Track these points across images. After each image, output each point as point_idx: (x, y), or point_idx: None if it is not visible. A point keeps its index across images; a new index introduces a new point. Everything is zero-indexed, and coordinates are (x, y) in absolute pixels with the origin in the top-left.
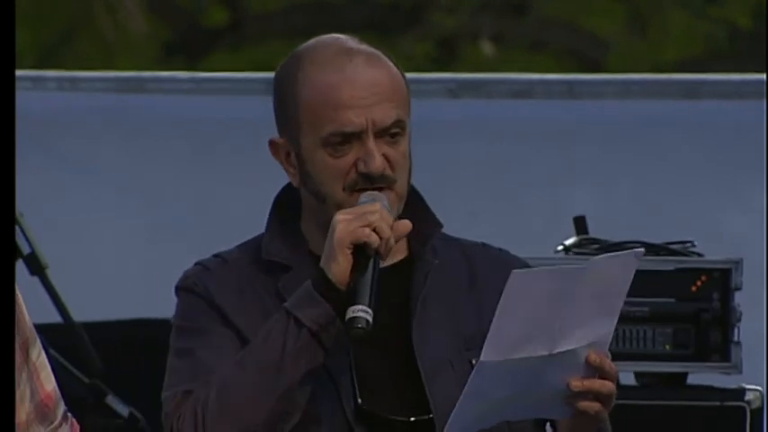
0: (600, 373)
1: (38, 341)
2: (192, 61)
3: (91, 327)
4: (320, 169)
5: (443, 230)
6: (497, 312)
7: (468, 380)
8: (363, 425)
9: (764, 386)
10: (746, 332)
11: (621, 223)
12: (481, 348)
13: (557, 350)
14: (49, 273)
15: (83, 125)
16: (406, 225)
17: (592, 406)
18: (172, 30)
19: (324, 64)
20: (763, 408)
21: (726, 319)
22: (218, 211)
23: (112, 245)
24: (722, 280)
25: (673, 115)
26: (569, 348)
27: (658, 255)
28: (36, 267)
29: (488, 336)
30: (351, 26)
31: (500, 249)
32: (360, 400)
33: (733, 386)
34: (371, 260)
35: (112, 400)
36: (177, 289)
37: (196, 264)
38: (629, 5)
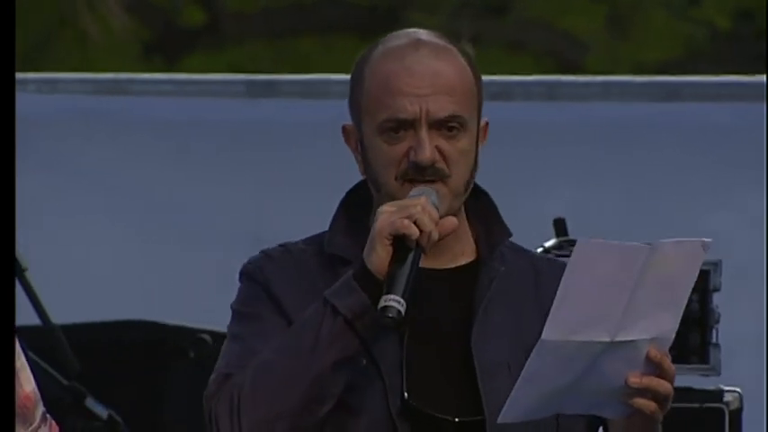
0: (659, 371)
1: (17, 343)
2: (171, 62)
3: (72, 329)
4: (376, 156)
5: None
6: (561, 284)
7: (527, 362)
8: (407, 421)
9: (745, 388)
10: (725, 334)
11: (601, 225)
12: None
13: (618, 338)
14: (29, 275)
15: (63, 127)
16: (451, 222)
17: (648, 405)
18: (149, 30)
19: (390, 53)
20: (741, 409)
21: (704, 320)
22: (199, 213)
23: (95, 246)
24: (701, 281)
25: (653, 117)
26: (631, 339)
27: None
28: (15, 269)
29: (551, 313)
30: (329, 27)
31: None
32: (406, 395)
33: (711, 388)
34: (411, 252)
35: (91, 403)
36: (240, 275)
37: (261, 252)
38: (608, 6)
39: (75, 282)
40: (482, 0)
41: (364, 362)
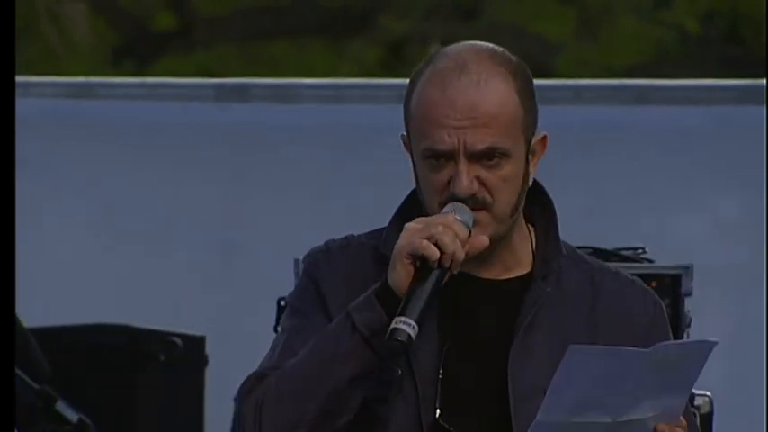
0: None
1: None
2: (142, 66)
3: (42, 332)
4: (422, 179)
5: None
6: (552, 384)
7: None
8: None
9: (716, 392)
10: (696, 337)
11: (572, 229)
12: None
13: (622, 418)
14: None
15: (34, 131)
16: (481, 241)
17: None
18: (120, 34)
19: (436, 78)
20: (712, 413)
21: (676, 324)
22: (169, 216)
23: (65, 249)
24: (672, 286)
25: (623, 120)
26: (636, 417)
27: (609, 261)
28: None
29: (546, 396)
30: (301, 30)
31: (633, 281)
32: (438, 412)
33: None
34: (433, 272)
35: (62, 406)
36: (301, 264)
37: (325, 243)
38: (578, 10)
39: (45, 285)
40: (453, 3)
41: (400, 372)
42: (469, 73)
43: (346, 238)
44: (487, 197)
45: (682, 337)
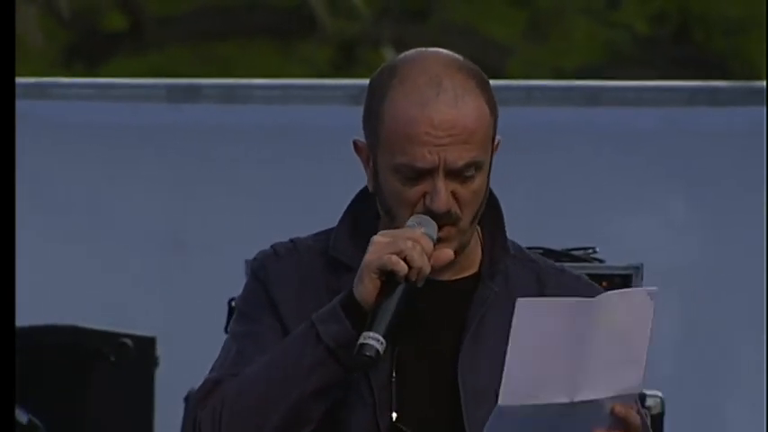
0: (626, 427)
1: None
2: (93, 66)
3: None
4: (390, 191)
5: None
6: (509, 348)
7: (485, 427)
8: None
9: (667, 392)
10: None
11: (523, 230)
12: None
13: (578, 398)
14: None
15: None
16: (447, 254)
17: None
18: (71, 35)
19: (411, 92)
20: (663, 414)
21: None
22: (120, 216)
23: (19, 251)
24: (623, 286)
25: (574, 122)
26: (593, 399)
27: (559, 261)
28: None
29: (503, 377)
30: (251, 31)
31: (579, 276)
32: (395, 416)
33: None
34: (399, 287)
35: None
36: (249, 268)
37: (271, 246)
38: (529, 11)
39: None
40: (402, 5)
41: (355, 374)
42: (446, 90)
43: (292, 241)
44: (458, 212)
45: None
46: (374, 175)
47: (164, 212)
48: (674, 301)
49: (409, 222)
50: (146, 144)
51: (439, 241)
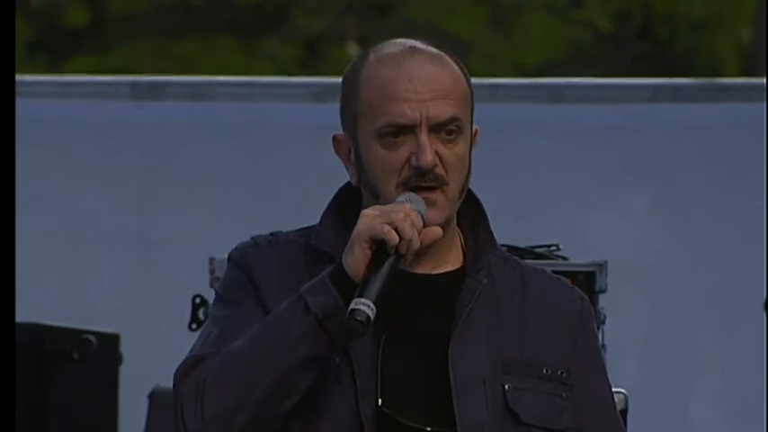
0: None
1: None
2: (56, 62)
3: None
4: (374, 163)
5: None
6: None
7: None
8: (377, 427)
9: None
10: (610, 335)
11: None
12: (518, 375)
13: None
14: None
15: None
16: (435, 232)
17: None
18: (32, 30)
19: (386, 60)
20: (627, 410)
21: None
22: (83, 214)
23: None
24: (587, 282)
25: (538, 119)
26: None
27: (523, 258)
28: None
29: None
30: (215, 27)
31: (559, 278)
32: (380, 401)
33: None
34: (389, 258)
35: None
36: (228, 259)
37: (252, 238)
38: (491, 8)
39: None
40: (366, 1)
41: (338, 360)
42: (421, 52)
43: (273, 234)
44: (444, 175)
45: (598, 335)
46: (357, 160)
47: (127, 209)
48: (637, 297)
49: (399, 199)
50: (109, 142)
51: (428, 205)
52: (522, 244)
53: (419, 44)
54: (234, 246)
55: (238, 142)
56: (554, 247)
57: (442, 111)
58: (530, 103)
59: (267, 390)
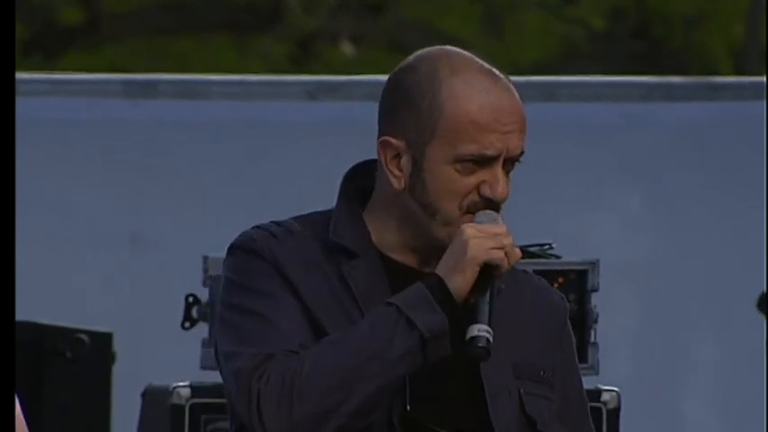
0: None
1: None
2: (49, 61)
3: None
4: (442, 184)
5: None
6: None
7: None
8: (408, 431)
9: (623, 387)
10: (602, 333)
11: None
12: (526, 379)
13: None
14: None
15: None
16: (518, 254)
17: None
18: (26, 28)
19: (470, 81)
20: (619, 408)
21: (582, 320)
22: (76, 213)
23: None
24: (579, 281)
25: (531, 117)
26: None
27: None
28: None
29: None
30: (209, 26)
31: (539, 278)
32: (408, 407)
33: (590, 387)
34: (494, 281)
35: None
36: (235, 248)
37: (258, 228)
38: (484, 6)
39: None
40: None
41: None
42: (500, 78)
43: (279, 224)
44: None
45: (589, 333)
46: (415, 173)
47: (120, 208)
48: (630, 296)
49: (482, 218)
50: (102, 140)
51: None
52: (514, 242)
53: (483, 61)
54: (228, 244)
55: (232, 141)
56: (546, 246)
57: (518, 144)
58: (523, 101)
59: (363, 401)
